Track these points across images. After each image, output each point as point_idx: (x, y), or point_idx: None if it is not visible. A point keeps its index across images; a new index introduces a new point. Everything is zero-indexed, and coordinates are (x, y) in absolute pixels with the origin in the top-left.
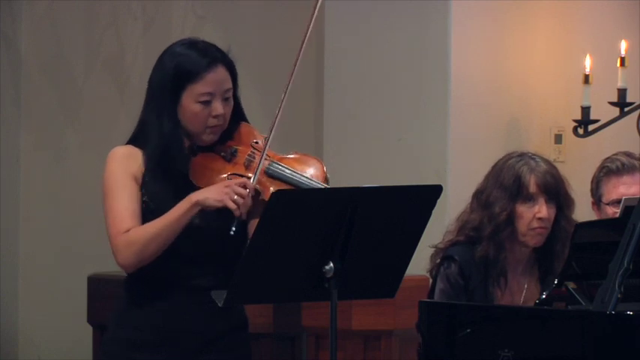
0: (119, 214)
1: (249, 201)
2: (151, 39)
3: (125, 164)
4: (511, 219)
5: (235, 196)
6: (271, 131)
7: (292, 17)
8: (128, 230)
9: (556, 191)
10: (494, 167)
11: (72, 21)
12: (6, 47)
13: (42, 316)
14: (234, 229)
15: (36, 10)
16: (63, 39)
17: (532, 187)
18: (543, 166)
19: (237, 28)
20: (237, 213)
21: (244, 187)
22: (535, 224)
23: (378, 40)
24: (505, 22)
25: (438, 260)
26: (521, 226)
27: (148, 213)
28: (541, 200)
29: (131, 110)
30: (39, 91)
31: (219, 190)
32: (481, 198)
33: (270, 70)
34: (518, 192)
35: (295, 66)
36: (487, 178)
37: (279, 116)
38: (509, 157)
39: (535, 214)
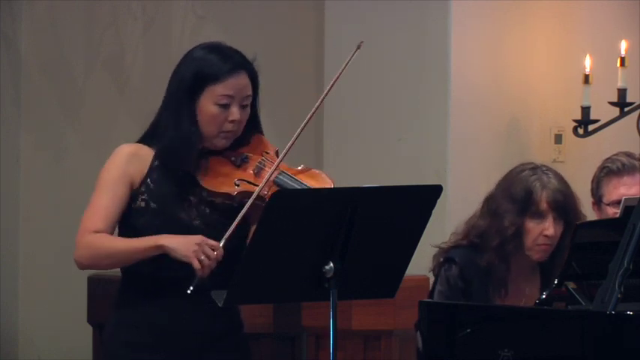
0: (96, 212)
1: (214, 264)
2: (151, 39)
3: (126, 164)
4: (519, 233)
5: (202, 257)
6: (288, 147)
7: (292, 17)
8: (97, 232)
9: (565, 209)
10: (506, 176)
11: (72, 21)
12: (6, 47)
13: (42, 316)
14: (192, 288)
15: (36, 10)
16: (63, 39)
17: (542, 204)
18: (555, 182)
19: (237, 28)
20: (199, 273)
21: (214, 249)
22: (541, 240)
23: (377, 41)
24: (505, 22)
25: (441, 260)
26: (528, 240)
27: (148, 213)
28: (550, 217)
29: (131, 110)
30: (39, 91)
31: (189, 246)
32: (491, 206)
33: (270, 70)
34: (528, 207)
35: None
36: (499, 186)
37: (295, 140)
38: (522, 168)
39: (542, 230)
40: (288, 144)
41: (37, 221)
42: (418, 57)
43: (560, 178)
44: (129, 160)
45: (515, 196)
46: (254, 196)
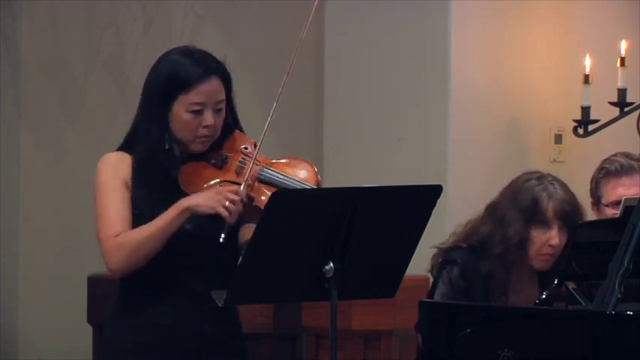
0: (109, 219)
1: (240, 207)
2: (151, 39)
3: (116, 169)
4: (523, 243)
5: (227, 203)
6: (262, 137)
7: (292, 17)
8: (118, 235)
9: (572, 219)
10: (511, 185)
11: (72, 21)
12: (6, 47)
13: (42, 316)
14: (223, 235)
15: (36, 10)
16: (63, 39)
17: (549, 213)
18: (561, 193)
19: (237, 28)
20: (228, 220)
21: (236, 193)
22: (545, 250)
23: (377, 40)
24: (505, 22)
25: (440, 260)
26: (532, 250)
27: (135, 220)
28: (555, 227)
29: (131, 110)
30: (39, 91)
31: (211, 197)
32: (495, 213)
33: (270, 70)
34: (534, 216)
35: (287, 74)
36: (503, 194)
37: (268, 123)
38: (528, 177)
39: (548, 240)
40: (262, 136)
41: (37, 221)
42: (418, 57)
43: (566, 189)
44: (118, 165)
45: (521, 205)
46: (241, 198)
